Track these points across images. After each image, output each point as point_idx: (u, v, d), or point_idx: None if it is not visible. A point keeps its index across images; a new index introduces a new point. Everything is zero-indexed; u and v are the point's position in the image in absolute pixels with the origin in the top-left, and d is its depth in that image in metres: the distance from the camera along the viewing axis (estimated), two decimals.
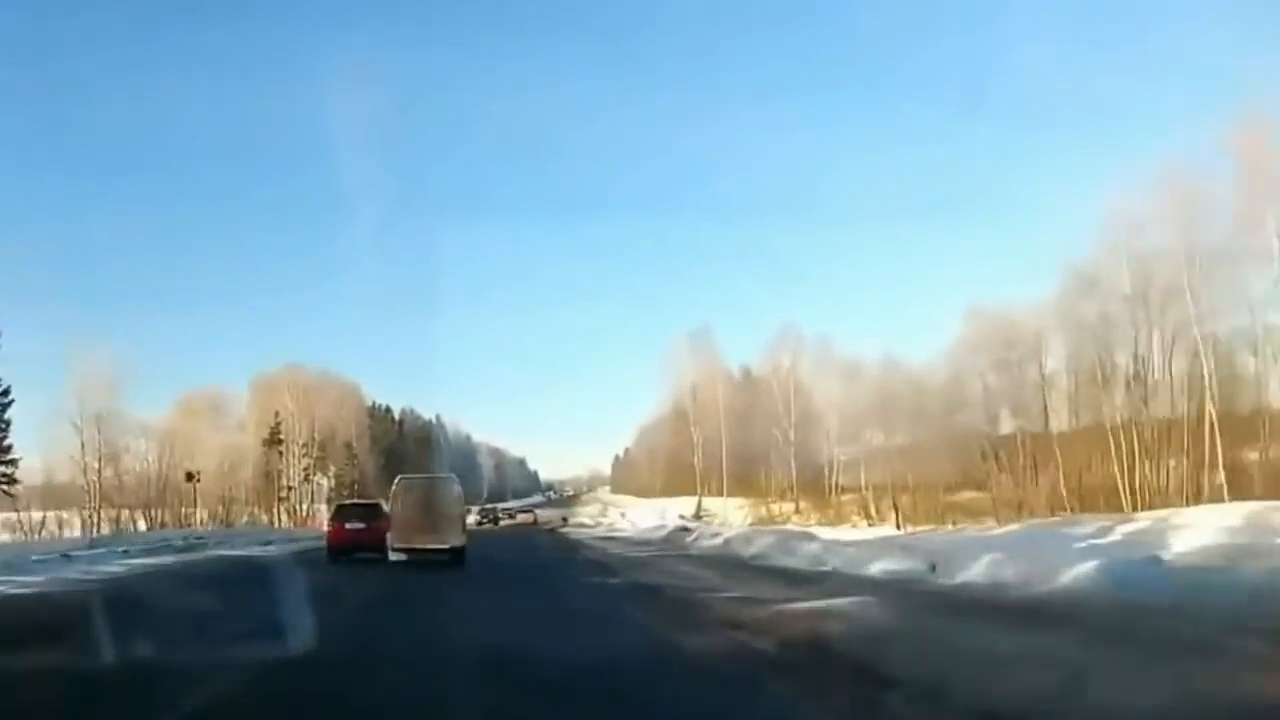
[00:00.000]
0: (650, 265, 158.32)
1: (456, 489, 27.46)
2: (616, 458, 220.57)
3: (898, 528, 49.64)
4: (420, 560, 25.34)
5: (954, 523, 51.55)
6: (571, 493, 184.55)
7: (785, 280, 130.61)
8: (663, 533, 46.95)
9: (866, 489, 70.80)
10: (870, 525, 59.81)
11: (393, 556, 25.97)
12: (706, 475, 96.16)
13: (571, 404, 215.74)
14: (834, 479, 74.88)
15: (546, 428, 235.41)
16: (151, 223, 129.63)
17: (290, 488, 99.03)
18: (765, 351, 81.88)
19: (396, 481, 27.83)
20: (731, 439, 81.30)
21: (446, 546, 25.26)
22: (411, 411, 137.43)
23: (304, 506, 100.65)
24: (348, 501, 43.31)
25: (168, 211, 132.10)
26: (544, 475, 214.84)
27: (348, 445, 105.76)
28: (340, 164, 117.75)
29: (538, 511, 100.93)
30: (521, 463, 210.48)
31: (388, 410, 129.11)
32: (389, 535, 26.18)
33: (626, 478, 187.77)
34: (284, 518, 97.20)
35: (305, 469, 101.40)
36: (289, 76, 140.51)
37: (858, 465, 73.64)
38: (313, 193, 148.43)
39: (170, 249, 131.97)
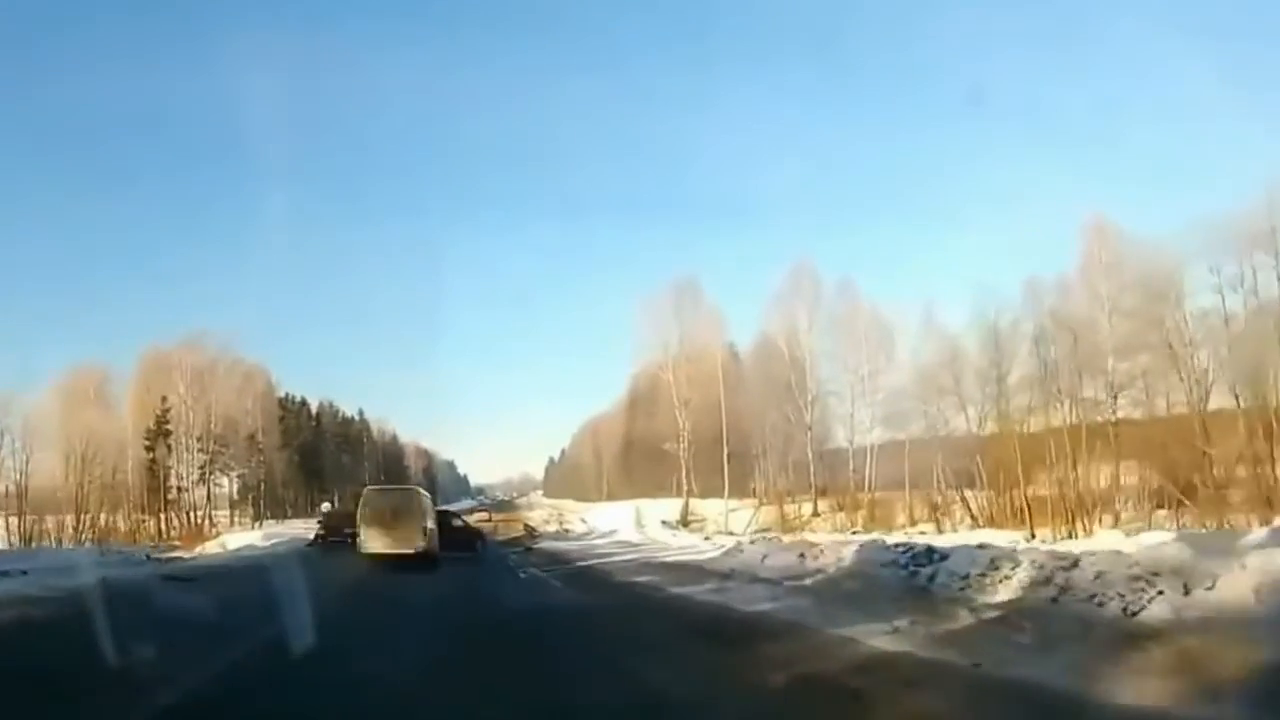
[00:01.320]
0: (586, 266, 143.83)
1: (425, 497, 30.02)
2: (550, 460, 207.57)
3: (1031, 536, 33.79)
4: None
5: (1092, 526, 36.28)
6: (503, 497, 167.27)
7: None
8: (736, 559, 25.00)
9: (905, 486, 55.05)
10: (966, 530, 43.82)
11: (364, 559, 26.68)
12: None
13: (501, 405, 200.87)
14: (869, 473, 58.97)
15: (474, 430, 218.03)
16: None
17: (181, 489, 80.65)
18: (774, 303, 64.64)
19: (366, 490, 30.78)
20: (716, 424, 65.14)
21: (413, 551, 26.61)
22: (331, 405, 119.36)
23: (198, 514, 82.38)
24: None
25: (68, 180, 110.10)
26: (474, 480, 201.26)
27: (251, 439, 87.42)
28: (254, 126, 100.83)
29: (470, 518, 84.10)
30: (451, 465, 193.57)
31: (303, 403, 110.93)
32: (359, 539, 27.60)
33: (563, 481, 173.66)
34: (174, 527, 79.21)
35: (201, 467, 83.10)
36: (193, 52, 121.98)
37: (893, 453, 58.11)
38: (224, 160, 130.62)
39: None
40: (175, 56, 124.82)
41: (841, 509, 57.71)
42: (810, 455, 61.07)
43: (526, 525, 54.51)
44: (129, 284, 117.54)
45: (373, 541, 27.13)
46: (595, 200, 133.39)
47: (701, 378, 64.46)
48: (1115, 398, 43.01)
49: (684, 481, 65.44)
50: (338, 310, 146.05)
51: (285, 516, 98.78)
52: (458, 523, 36.69)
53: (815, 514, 58.07)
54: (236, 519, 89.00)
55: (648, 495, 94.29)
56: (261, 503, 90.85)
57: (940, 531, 44.33)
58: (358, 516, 28.05)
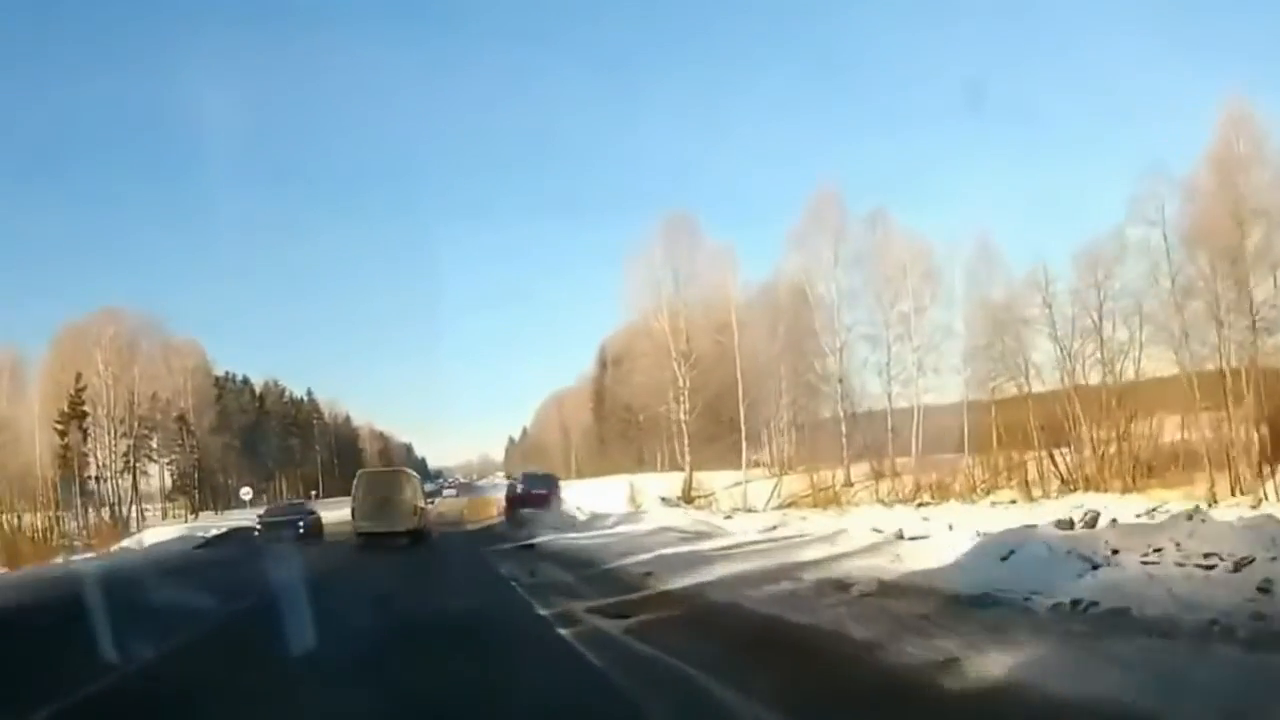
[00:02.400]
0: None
1: (414, 479, 30.99)
2: (511, 440, 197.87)
3: (1212, 499, 24.19)
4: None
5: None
6: (463, 480, 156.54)
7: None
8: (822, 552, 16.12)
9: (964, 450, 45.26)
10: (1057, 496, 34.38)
11: (357, 541, 28.08)
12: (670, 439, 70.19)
13: (459, 386, 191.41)
14: (915, 432, 49.15)
15: (431, 412, 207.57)
16: None
17: (98, 478, 69.30)
18: (793, 241, 53.30)
19: (360, 473, 31.66)
20: (714, 382, 55.24)
21: (403, 529, 28.01)
22: (276, 384, 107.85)
23: (124, 508, 71.13)
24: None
25: None
26: (432, 463, 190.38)
27: (180, 420, 76.08)
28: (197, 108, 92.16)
29: (440, 501, 73.88)
30: (409, 449, 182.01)
31: (245, 382, 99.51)
32: (353, 519, 28.69)
33: (525, 461, 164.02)
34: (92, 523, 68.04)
35: (125, 454, 71.76)
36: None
37: (942, 412, 48.48)
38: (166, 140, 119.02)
39: None
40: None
41: (880, 477, 48.09)
42: (841, 411, 51.15)
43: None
44: (46, 263, 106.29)
45: (367, 521, 28.17)
46: (552, 188, 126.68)
47: (702, 326, 54.14)
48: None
49: (684, 451, 55.06)
50: (285, 291, 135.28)
51: (227, 507, 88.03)
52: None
53: (849, 483, 48.46)
54: (172, 511, 77.91)
55: (625, 471, 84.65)
56: (197, 493, 79.57)
57: (1031, 499, 34.85)
58: (352, 498, 29.12)
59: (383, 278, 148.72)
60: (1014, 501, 37.05)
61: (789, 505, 47.49)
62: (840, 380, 50.49)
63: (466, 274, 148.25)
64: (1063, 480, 37.23)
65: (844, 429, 50.75)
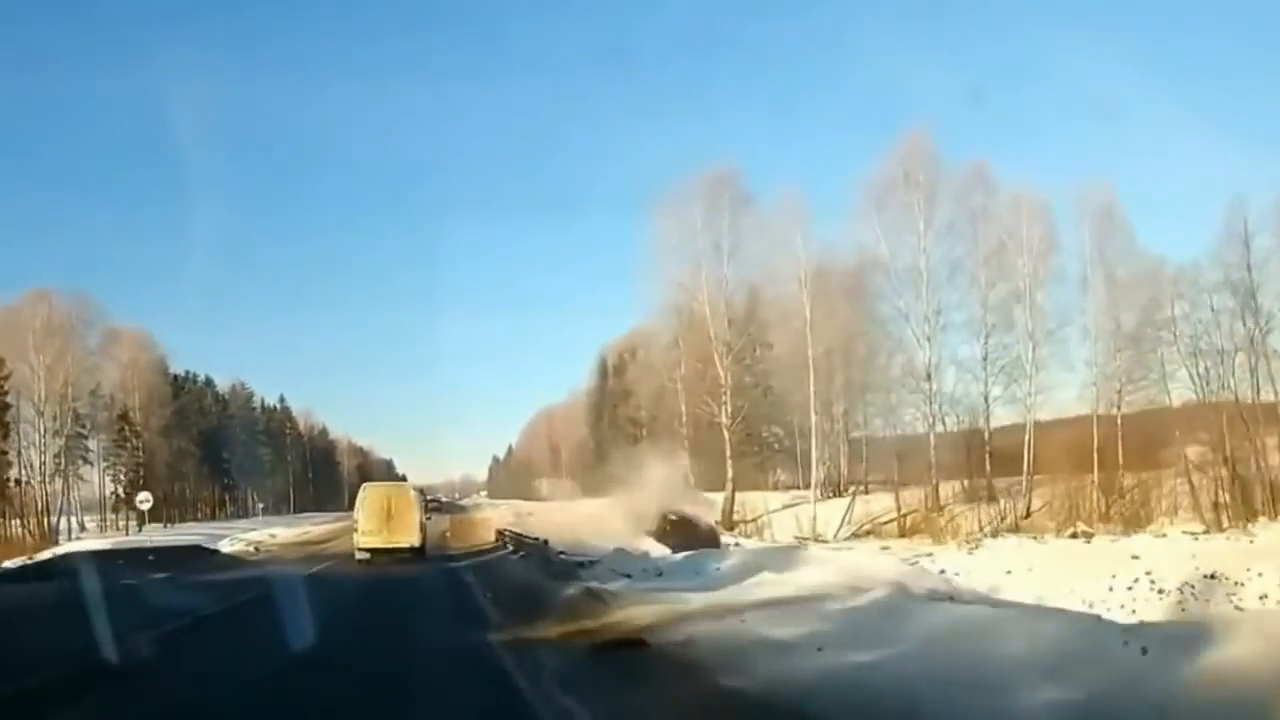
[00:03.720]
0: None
1: (414, 493, 29.34)
2: (495, 460, 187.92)
3: None
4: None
5: None
6: (444, 498, 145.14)
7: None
8: None
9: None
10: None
11: (358, 556, 26.50)
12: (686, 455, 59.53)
13: (442, 404, 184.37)
14: (1028, 446, 38.35)
15: (411, 429, 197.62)
16: None
17: (21, 482, 57.98)
18: (867, 204, 41.22)
19: (364, 486, 29.85)
20: (753, 380, 44.52)
21: (407, 545, 26.83)
22: (243, 387, 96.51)
23: (55, 517, 59.83)
24: None
25: None
26: (413, 481, 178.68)
27: (123, 418, 64.80)
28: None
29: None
30: (389, 465, 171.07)
31: (208, 383, 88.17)
32: (355, 535, 27.26)
33: (510, 481, 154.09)
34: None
35: (57, 454, 60.51)
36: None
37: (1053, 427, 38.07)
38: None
39: None
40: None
41: (977, 499, 37.57)
42: (930, 414, 40.36)
43: (513, 535, 33.85)
44: None
45: (369, 537, 27.02)
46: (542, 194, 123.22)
47: (749, 312, 43.36)
48: None
49: (727, 464, 44.04)
50: (261, 296, 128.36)
51: (181, 519, 76.87)
52: None
53: (938, 507, 37.92)
54: (118, 523, 66.48)
55: (624, 491, 73.96)
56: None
57: (1222, 529, 24.90)
58: (354, 513, 28.07)
59: (367, 291, 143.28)
60: (1205, 531, 27.00)
61: (867, 533, 37.13)
62: (929, 377, 39.76)
63: (452, 289, 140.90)
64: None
65: (932, 438, 40.07)
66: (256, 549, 34.88)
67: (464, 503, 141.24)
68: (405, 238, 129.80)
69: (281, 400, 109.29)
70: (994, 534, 33.85)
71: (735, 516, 40.69)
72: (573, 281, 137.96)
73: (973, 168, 40.68)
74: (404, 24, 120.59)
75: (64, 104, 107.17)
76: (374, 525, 27.00)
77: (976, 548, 29.46)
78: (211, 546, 33.30)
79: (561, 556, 20.10)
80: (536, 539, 25.43)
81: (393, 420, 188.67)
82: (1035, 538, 31.31)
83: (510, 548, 28.55)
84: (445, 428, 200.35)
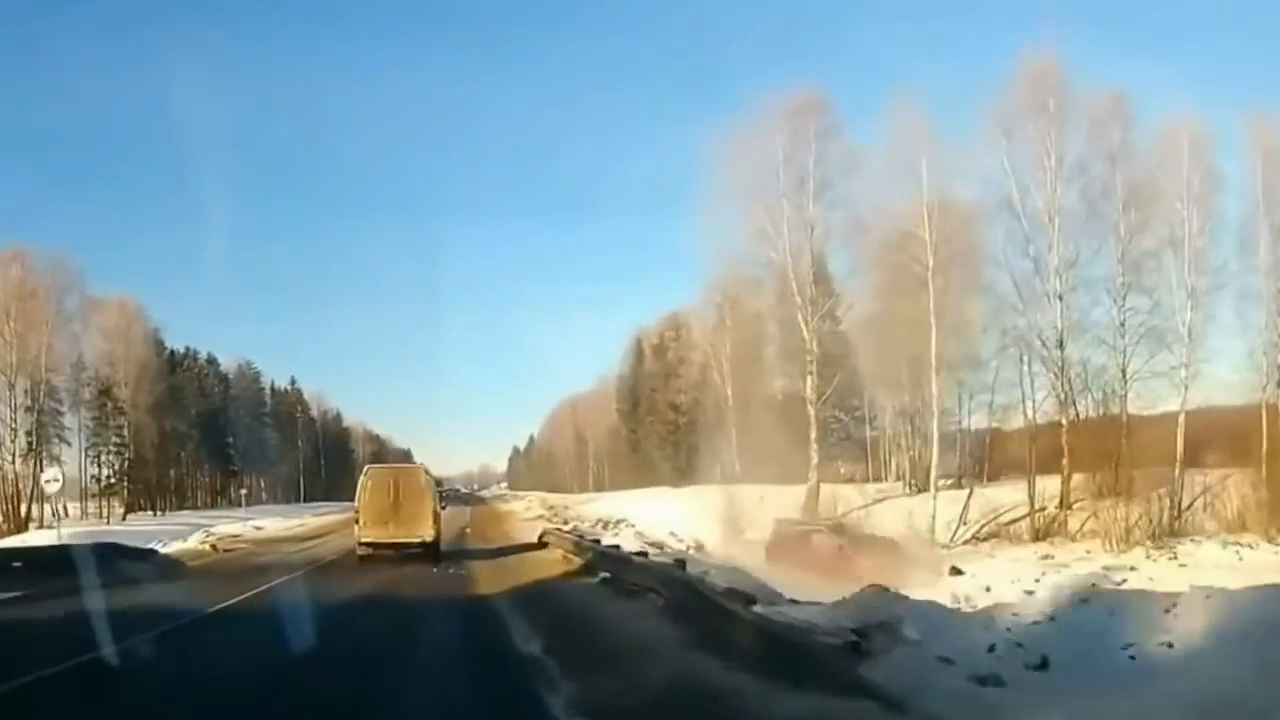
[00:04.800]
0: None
1: (427, 476, 24.17)
2: (515, 450, 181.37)
3: None
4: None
5: None
6: (463, 489, 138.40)
7: None
8: None
9: None
10: None
11: (359, 552, 22.16)
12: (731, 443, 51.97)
13: (462, 393, 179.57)
14: (1180, 430, 30.25)
15: (429, 418, 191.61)
16: None
17: None
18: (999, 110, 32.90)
19: (367, 468, 25.27)
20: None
21: (417, 540, 22.25)
22: (249, 367, 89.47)
23: (27, 503, 52.79)
24: None
25: None
26: (431, 471, 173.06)
27: (105, 393, 57.68)
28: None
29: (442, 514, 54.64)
30: (406, 454, 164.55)
31: (210, 360, 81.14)
32: (355, 528, 22.55)
33: (531, 472, 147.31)
34: None
35: (30, 432, 53.43)
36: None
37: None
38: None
39: None
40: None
41: (1109, 494, 29.78)
42: (1061, 391, 32.40)
43: (562, 536, 25.74)
44: None
45: (373, 529, 22.28)
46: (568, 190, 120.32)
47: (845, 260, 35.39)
48: None
49: (812, 449, 35.98)
50: (274, 276, 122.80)
51: (178, 506, 70.00)
52: None
53: (1068, 505, 30.19)
54: (102, 510, 59.42)
55: (661, 483, 66.41)
56: (126, 488, 61.11)
57: None
58: (356, 499, 22.80)
59: (384, 274, 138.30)
60: None
61: (989, 535, 29.49)
62: (1061, 345, 31.84)
63: (472, 279, 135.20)
64: None
65: (1064, 421, 32.16)
66: (215, 548, 27.54)
67: (483, 494, 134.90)
68: (422, 226, 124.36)
69: (293, 382, 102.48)
70: (1153, 538, 26.22)
71: (821, 516, 32.92)
72: (597, 270, 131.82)
73: (1111, 96, 32.85)
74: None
75: (71, 95, 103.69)
76: (378, 515, 22.30)
77: (1173, 556, 21.93)
78: (152, 545, 26.01)
79: (754, 611, 10.16)
80: (638, 552, 18.36)
81: (410, 409, 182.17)
82: (1240, 544, 23.71)
83: (574, 560, 20.12)
84: (463, 418, 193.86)
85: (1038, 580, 18.90)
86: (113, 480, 59.51)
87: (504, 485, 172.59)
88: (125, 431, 59.29)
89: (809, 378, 34.54)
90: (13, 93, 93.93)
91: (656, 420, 69.38)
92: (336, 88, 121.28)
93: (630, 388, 78.96)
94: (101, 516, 57.56)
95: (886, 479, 46.33)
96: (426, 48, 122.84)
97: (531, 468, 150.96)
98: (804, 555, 23.20)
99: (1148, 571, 19.70)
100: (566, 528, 31.48)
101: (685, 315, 66.77)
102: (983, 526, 29.97)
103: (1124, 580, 18.41)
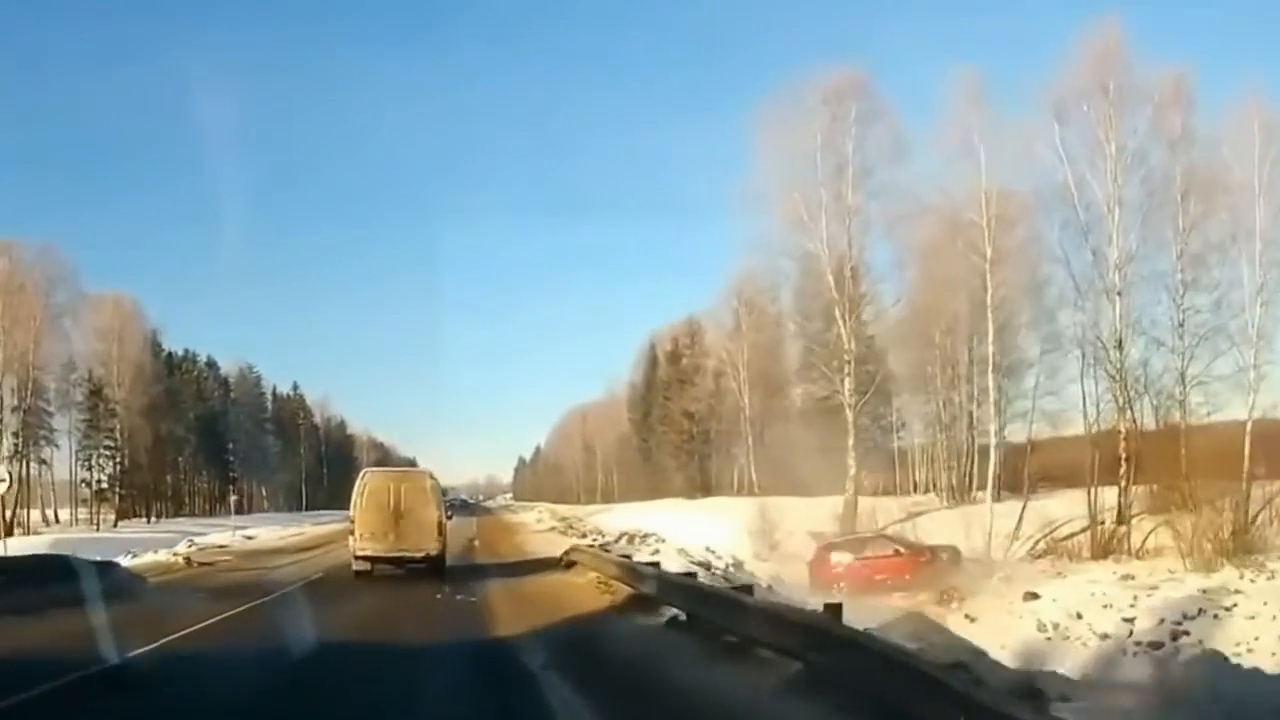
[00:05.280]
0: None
1: (432, 483, 21.12)
2: (521, 461, 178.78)
3: None
4: None
5: None
6: (469, 500, 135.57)
7: None
8: None
9: None
10: None
11: (355, 566, 19.74)
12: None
13: (468, 404, 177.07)
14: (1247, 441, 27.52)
15: (435, 427, 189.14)
16: None
17: None
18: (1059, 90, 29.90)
19: (365, 473, 21.71)
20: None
21: (420, 554, 19.65)
22: (250, 371, 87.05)
23: (10, 509, 50.30)
24: None
25: None
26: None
27: (96, 394, 55.22)
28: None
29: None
30: (411, 463, 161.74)
31: (210, 364, 78.72)
32: (350, 539, 20.08)
33: (537, 483, 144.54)
34: None
35: (16, 433, 50.99)
36: None
37: None
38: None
39: None
40: None
41: (1170, 507, 27.11)
42: (1120, 396, 29.55)
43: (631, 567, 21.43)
44: None
45: (371, 541, 19.70)
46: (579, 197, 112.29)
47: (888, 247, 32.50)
48: None
49: (850, 457, 33.10)
50: (276, 282, 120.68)
51: (175, 513, 67.54)
52: None
53: (1126, 519, 27.47)
54: (95, 517, 56.90)
55: (678, 495, 63.79)
56: (118, 494, 58.54)
57: None
58: (351, 507, 20.28)
59: (389, 281, 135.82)
60: None
61: (1044, 551, 26.86)
62: (1119, 345, 29.15)
63: (479, 283, 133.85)
64: None
65: (1123, 428, 29.46)
66: (190, 561, 24.72)
67: (488, 504, 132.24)
68: (427, 231, 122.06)
69: (295, 388, 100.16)
70: (1230, 554, 23.58)
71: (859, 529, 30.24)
72: (606, 278, 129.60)
73: (1172, 76, 30.33)
74: None
75: (72, 99, 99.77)
76: (377, 525, 19.71)
77: (1271, 576, 19.33)
78: (118, 558, 23.30)
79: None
80: (686, 573, 15.31)
81: (415, 418, 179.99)
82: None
83: (615, 586, 15.52)
84: (469, 428, 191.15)
85: (1132, 605, 16.39)
86: (103, 485, 56.84)
87: (509, 496, 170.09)
88: (118, 434, 56.74)
89: (846, 379, 31.83)
90: (13, 93, 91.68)
91: (670, 429, 66.67)
92: (342, 90, 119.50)
93: (642, 395, 76.41)
94: (92, 523, 55.11)
95: (914, 491, 43.69)
96: (434, 46, 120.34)
97: (537, 478, 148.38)
98: (856, 573, 20.58)
99: (1254, 593, 17.09)
100: (587, 542, 28.73)
101: (702, 320, 64.34)
102: (1038, 541, 27.31)
103: (1234, 605, 15.86)
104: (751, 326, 56.58)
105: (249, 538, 39.82)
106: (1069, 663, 13.31)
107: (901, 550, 20.72)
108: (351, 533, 19.94)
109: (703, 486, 62.54)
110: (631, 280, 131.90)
